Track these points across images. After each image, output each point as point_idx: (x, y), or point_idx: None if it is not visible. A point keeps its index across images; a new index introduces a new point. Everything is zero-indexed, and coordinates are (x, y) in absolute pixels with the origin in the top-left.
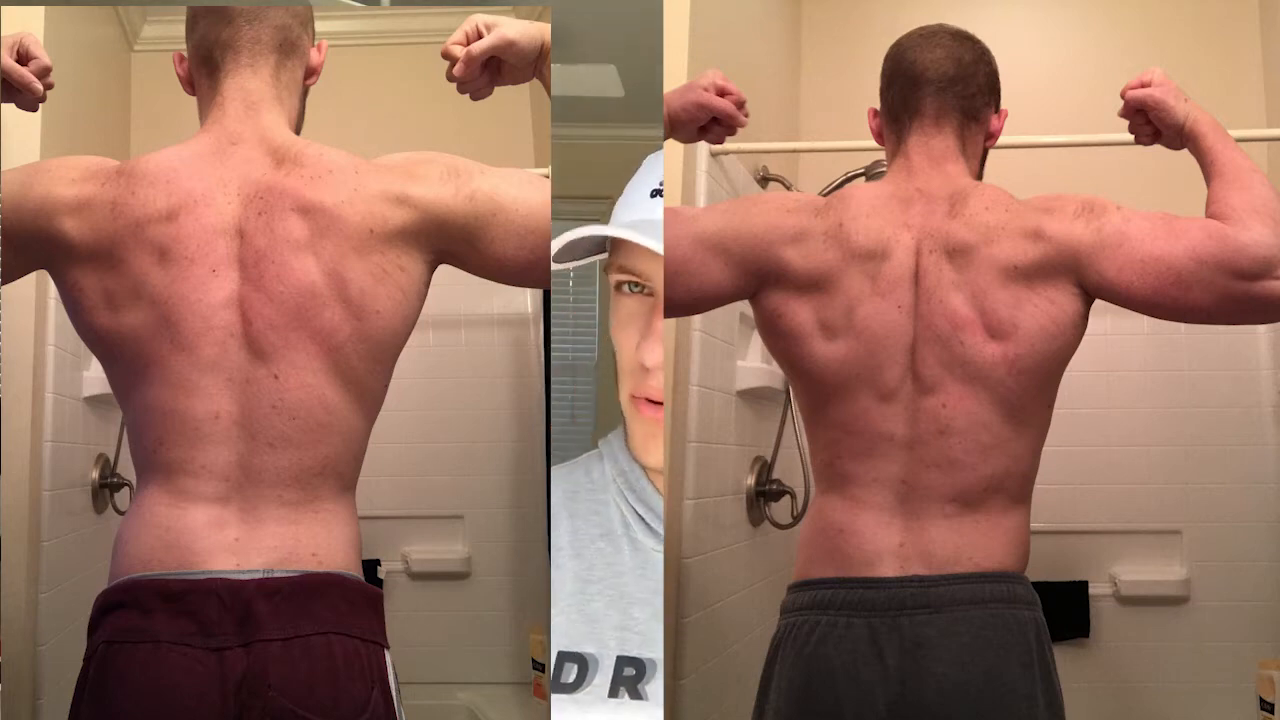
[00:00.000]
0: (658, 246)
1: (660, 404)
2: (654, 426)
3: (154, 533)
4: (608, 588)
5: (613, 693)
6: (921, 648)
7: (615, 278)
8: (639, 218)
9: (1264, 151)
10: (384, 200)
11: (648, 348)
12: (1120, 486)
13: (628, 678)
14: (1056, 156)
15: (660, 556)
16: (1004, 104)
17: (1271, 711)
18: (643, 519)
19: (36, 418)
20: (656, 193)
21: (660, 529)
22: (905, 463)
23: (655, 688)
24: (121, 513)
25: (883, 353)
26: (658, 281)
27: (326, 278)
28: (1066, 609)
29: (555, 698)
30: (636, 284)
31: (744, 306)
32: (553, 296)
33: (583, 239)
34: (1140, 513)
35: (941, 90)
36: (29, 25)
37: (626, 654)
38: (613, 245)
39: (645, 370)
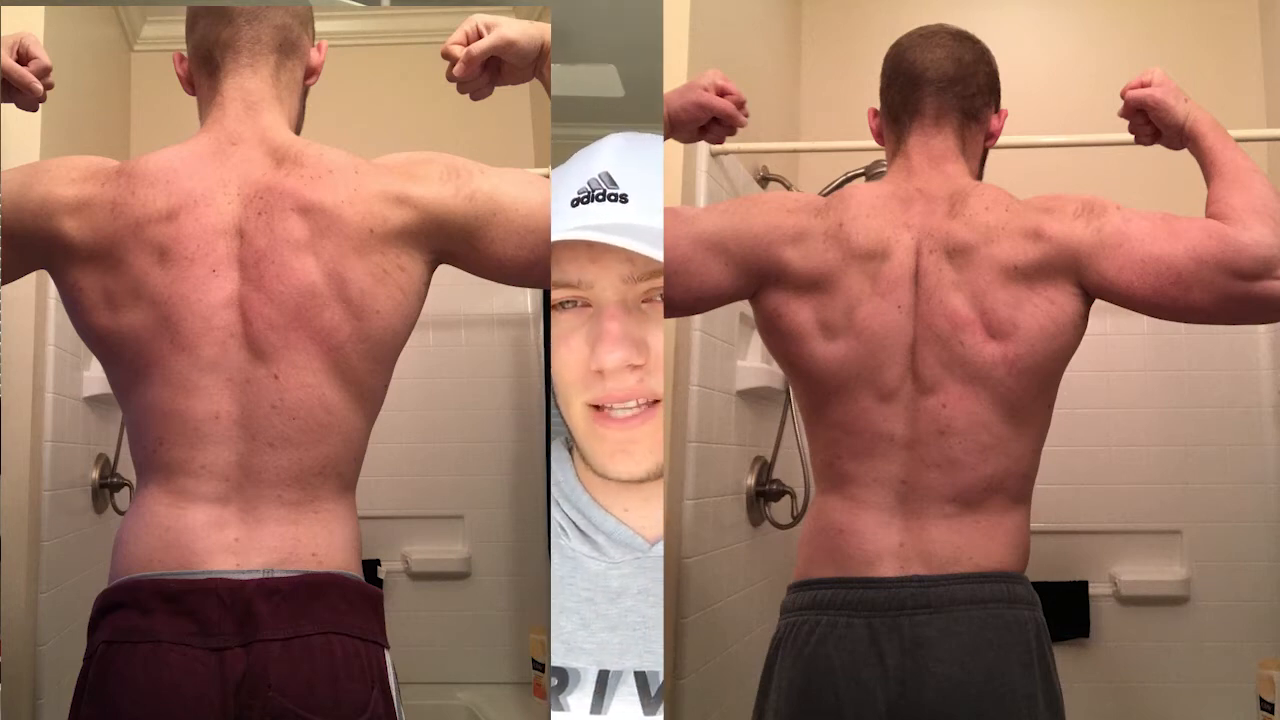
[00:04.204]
0: (644, 249)
1: (626, 412)
2: (618, 438)
3: (154, 533)
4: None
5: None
6: (921, 648)
7: (554, 296)
8: (563, 231)
9: (1264, 151)
10: (384, 200)
11: (603, 350)
12: (1120, 486)
13: (550, 688)
14: (1056, 156)
15: (600, 564)
16: (1004, 104)
17: (1271, 711)
18: (577, 527)
19: (36, 418)
20: (579, 200)
21: (600, 539)
22: (905, 463)
23: (579, 699)
24: (121, 513)
25: (883, 353)
26: (602, 285)
27: (326, 278)
28: (1066, 609)
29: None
30: (573, 301)
31: (744, 306)
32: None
33: None
34: (1140, 513)
35: (941, 90)
36: (29, 25)
37: (557, 664)
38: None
39: (600, 375)
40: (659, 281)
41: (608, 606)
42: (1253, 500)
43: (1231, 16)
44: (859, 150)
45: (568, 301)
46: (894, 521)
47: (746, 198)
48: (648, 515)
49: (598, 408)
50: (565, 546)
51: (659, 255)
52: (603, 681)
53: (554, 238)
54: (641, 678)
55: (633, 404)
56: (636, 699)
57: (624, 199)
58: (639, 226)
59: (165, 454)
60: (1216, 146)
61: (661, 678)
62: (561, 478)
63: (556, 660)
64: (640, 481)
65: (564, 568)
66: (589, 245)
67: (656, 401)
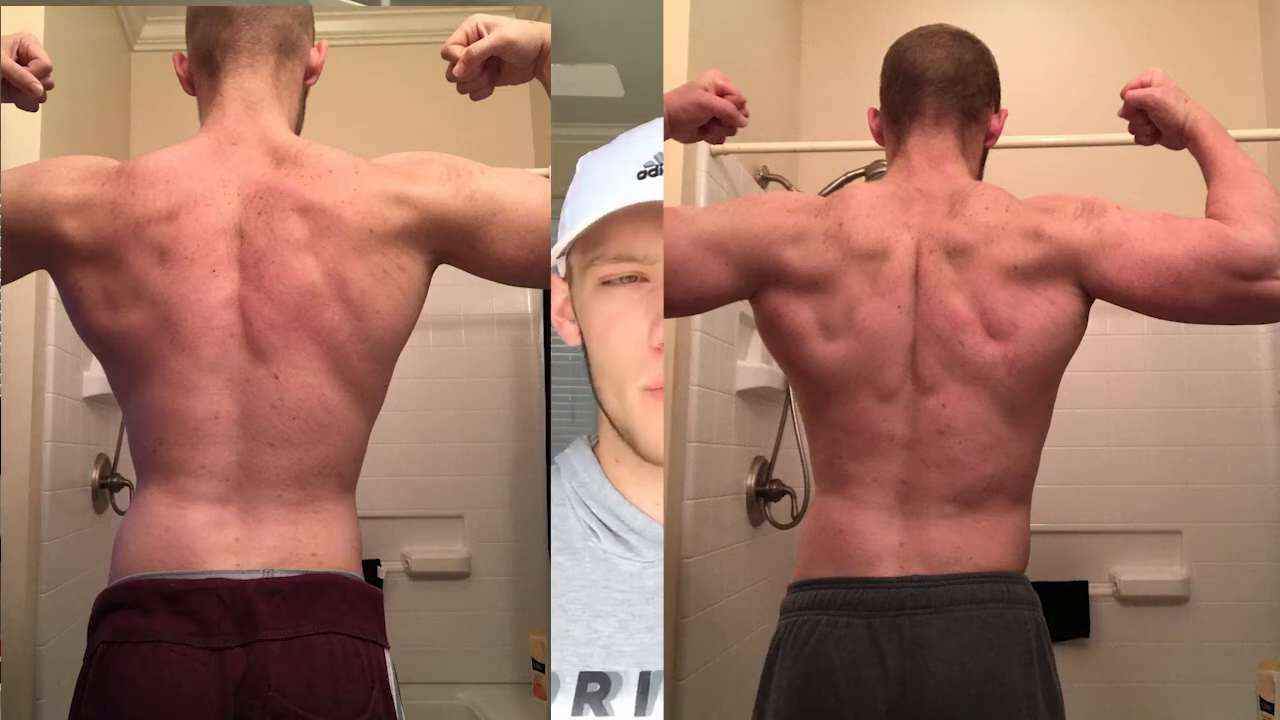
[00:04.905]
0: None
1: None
2: (660, 416)
3: (154, 533)
4: (569, 603)
5: (576, 710)
6: (921, 648)
7: (608, 270)
8: (632, 200)
9: (1264, 151)
10: (384, 200)
11: (659, 331)
12: (1120, 486)
13: (592, 694)
14: (1056, 156)
15: (634, 565)
16: (1004, 104)
17: (1271, 711)
18: (608, 528)
19: (36, 418)
20: (645, 174)
21: (633, 538)
22: (905, 463)
23: (623, 702)
24: (121, 513)
25: (883, 353)
26: (660, 264)
27: (326, 278)
28: (1066, 609)
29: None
30: (630, 276)
31: (744, 306)
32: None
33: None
34: (1140, 513)
35: (941, 90)
36: (29, 25)
37: (589, 669)
38: (595, 237)
39: (656, 354)
40: None
41: (644, 607)
42: (1253, 500)
43: (1231, 16)
44: (859, 150)
45: (623, 276)
46: (894, 521)
47: (746, 198)
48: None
49: (656, 389)
50: (596, 548)
51: None
52: (645, 683)
53: (621, 206)
54: (593, 682)
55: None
56: (587, 705)
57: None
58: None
59: (165, 454)
60: (1216, 146)
61: (610, 680)
62: (588, 478)
63: (598, 666)
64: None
65: (598, 570)
66: (658, 218)
67: None
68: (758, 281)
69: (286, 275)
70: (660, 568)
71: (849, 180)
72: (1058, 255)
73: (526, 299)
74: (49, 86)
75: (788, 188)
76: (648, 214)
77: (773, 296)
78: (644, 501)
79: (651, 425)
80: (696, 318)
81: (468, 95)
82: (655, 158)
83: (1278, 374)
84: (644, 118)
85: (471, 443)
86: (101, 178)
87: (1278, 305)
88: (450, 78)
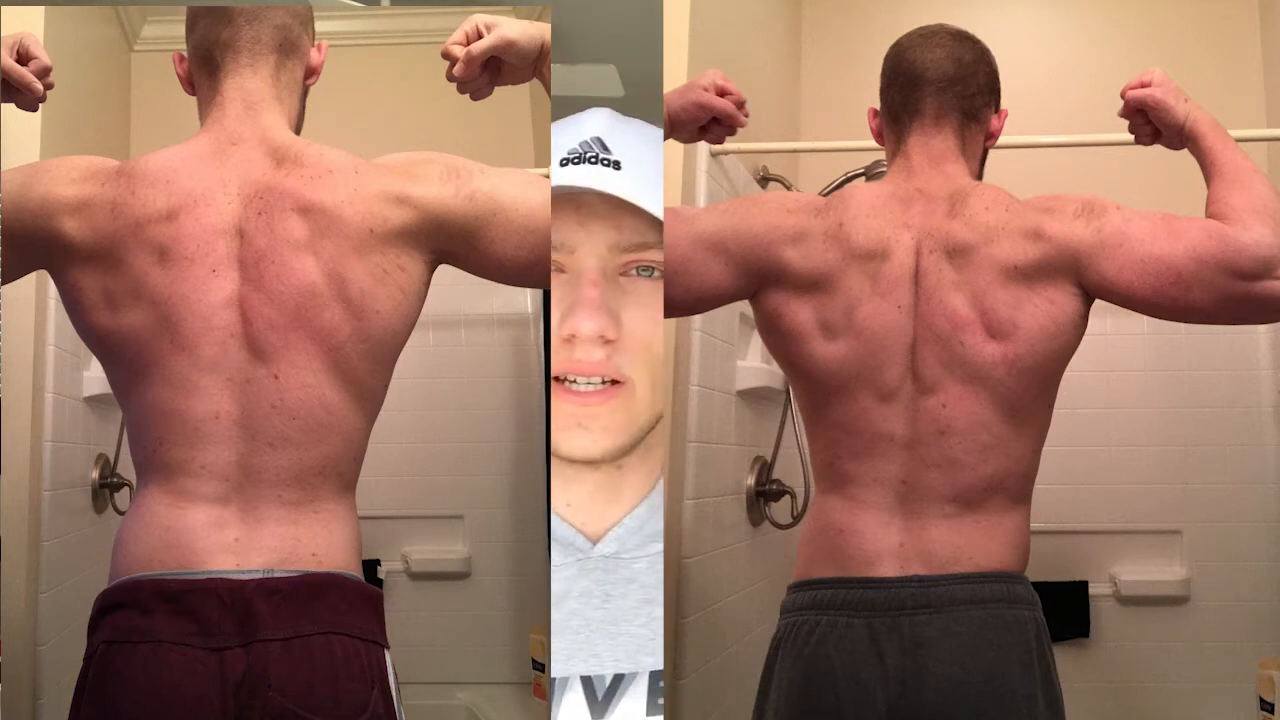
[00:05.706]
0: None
1: (589, 387)
2: (574, 411)
3: (154, 533)
4: None
5: None
6: (921, 647)
7: None
8: (560, 184)
9: (1264, 151)
10: (384, 200)
11: (579, 317)
12: (1120, 486)
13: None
14: (1056, 156)
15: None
16: (1004, 104)
17: (1271, 711)
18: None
19: (36, 418)
20: (568, 161)
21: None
22: (905, 463)
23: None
24: (121, 513)
25: (883, 353)
26: (585, 251)
27: (326, 278)
28: (1066, 609)
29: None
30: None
31: (744, 306)
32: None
33: None
34: (1140, 513)
35: (941, 90)
36: (29, 25)
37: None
38: None
39: (568, 343)
40: (643, 255)
41: (553, 612)
42: (1253, 500)
43: (1231, 16)
44: (859, 150)
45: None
46: (894, 521)
47: (746, 198)
48: (593, 511)
49: (559, 380)
50: None
51: (655, 227)
52: (551, 689)
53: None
54: (589, 682)
55: (597, 379)
56: (585, 705)
57: (617, 165)
58: (632, 194)
59: (165, 454)
60: (1216, 146)
61: (609, 680)
62: None
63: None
64: (594, 463)
65: None
66: (577, 208)
67: (619, 382)
68: (758, 281)
69: (286, 275)
70: (569, 572)
71: (849, 180)
72: (1058, 255)
73: (526, 299)
74: (49, 86)
75: (788, 188)
76: (565, 203)
77: (773, 296)
78: (557, 500)
79: (555, 415)
80: (696, 318)
81: (468, 95)
82: (591, 142)
83: (1278, 374)
84: (644, 118)
85: (471, 443)
86: (101, 178)
87: (1278, 305)
88: (450, 78)
